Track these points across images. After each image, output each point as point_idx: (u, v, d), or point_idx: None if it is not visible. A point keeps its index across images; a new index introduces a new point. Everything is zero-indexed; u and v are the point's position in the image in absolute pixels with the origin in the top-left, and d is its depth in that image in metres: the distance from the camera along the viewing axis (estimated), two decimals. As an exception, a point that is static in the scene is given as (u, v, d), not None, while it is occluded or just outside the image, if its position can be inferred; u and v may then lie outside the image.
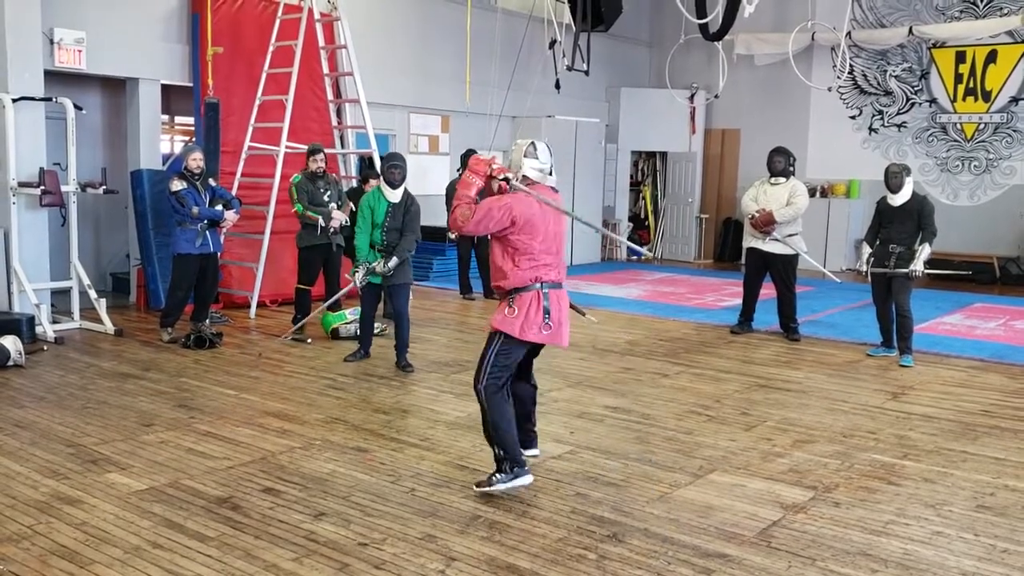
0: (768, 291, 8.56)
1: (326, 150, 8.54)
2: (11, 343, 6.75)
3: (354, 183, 9.72)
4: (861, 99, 14.24)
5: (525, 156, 4.38)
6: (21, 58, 7.86)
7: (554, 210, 4.39)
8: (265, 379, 6.55)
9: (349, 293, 8.14)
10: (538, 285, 4.32)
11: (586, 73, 11.85)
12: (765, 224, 8.16)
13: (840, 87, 13.82)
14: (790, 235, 8.27)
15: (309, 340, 7.84)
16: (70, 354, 7.26)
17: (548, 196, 4.37)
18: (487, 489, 4.26)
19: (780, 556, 3.69)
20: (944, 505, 4.30)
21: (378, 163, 9.60)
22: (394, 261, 6.79)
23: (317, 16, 9.86)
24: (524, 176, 4.37)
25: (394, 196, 6.88)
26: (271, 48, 9.50)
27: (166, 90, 9.78)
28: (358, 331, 7.47)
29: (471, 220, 4.27)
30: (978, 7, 13.10)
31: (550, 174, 4.44)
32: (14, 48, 7.80)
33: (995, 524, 4.08)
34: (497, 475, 4.29)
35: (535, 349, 4.59)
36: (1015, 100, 13.01)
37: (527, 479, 4.31)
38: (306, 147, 8.43)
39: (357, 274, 6.83)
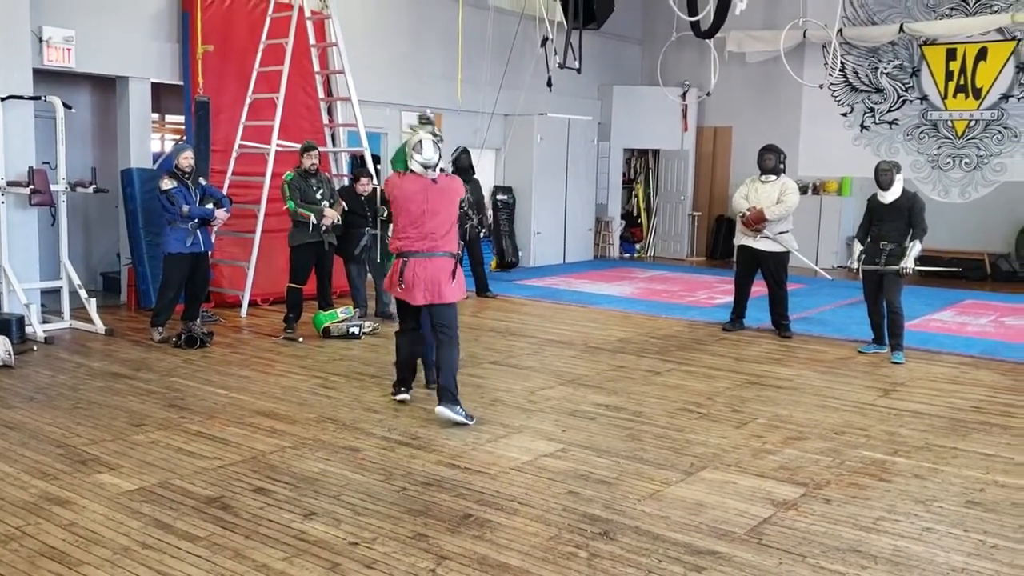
0: (760, 288, 8.57)
1: (319, 148, 8.51)
2: (0, 343, 6.72)
3: (346, 181, 9.70)
4: (852, 96, 14.27)
5: (412, 150, 5.37)
6: (10, 56, 7.81)
7: (433, 193, 5.37)
8: (256, 378, 6.53)
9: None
10: (403, 252, 5.43)
11: (578, 71, 11.84)
12: (756, 222, 8.17)
13: (831, 85, 13.85)
14: (781, 233, 8.28)
15: (301, 339, 7.83)
16: (60, 354, 7.22)
17: (421, 184, 5.37)
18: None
19: (771, 553, 3.69)
20: (934, 501, 4.31)
21: (370, 162, 9.62)
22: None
23: (308, 14, 9.83)
24: (411, 169, 5.40)
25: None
26: (261, 46, 9.47)
27: (156, 89, 9.74)
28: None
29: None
30: (968, 4, 13.14)
31: (432, 169, 5.39)
32: (3, 46, 7.75)
33: (984, 520, 4.09)
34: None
35: (432, 309, 5.51)
36: (1005, 97, 13.06)
37: (400, 397, 5.85)
38: (297, 145, 8.41)
39: None
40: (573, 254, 14.26)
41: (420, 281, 5.39)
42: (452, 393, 5.40)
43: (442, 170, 5.55)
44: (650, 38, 15.79)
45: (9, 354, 6.73)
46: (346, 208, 8.36)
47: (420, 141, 5.34)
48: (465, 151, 10.55)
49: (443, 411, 5.40)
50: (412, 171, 5.38)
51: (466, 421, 5.37)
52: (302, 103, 10.16)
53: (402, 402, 5.83)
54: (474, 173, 10.42)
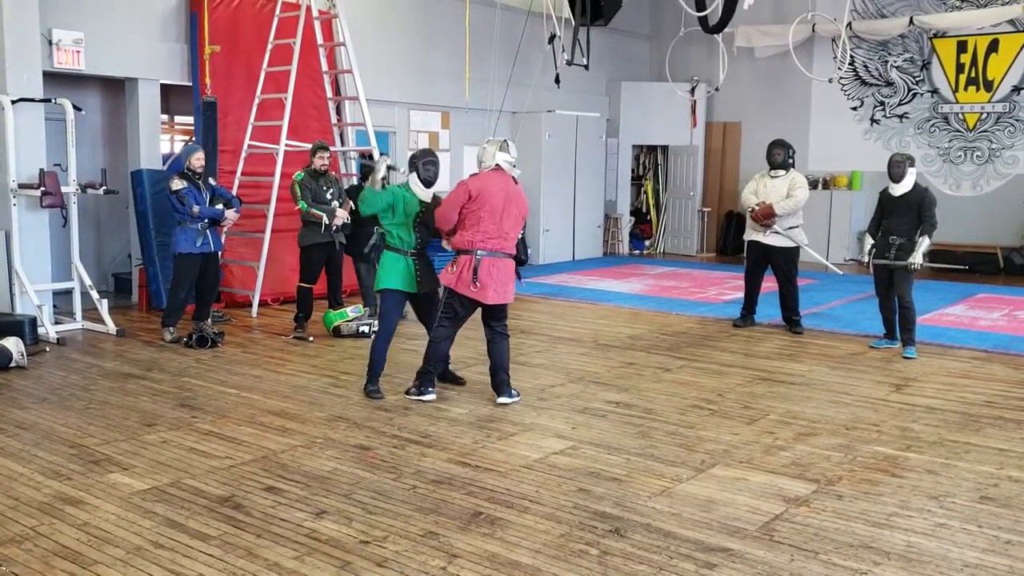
0: (770, 284, 8.53)
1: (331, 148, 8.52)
2: (13, 345, 6.76)
3: (355, 181, 9.70)
4: (862, 90, 14.19)
5: (499, 150, 5.61)
6: (20, 59, 7.85)
7: (512, 193, 5.58)
8: (267, 378, 6.55)
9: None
10: (475, 250, 5.50)
11: (586, 68, 11.80)
12: (765, 217, 8.14)
13: (841, 78, 13.77)
14: (791, 228, 8.24)
15: (311, 338, 7.84)
16: (72, 355, 7.26)
17: (505, 183, 5.59)
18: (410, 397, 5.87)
19: (783, 550, 3.68)
20: (947, 497, 4.29)
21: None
22: None
23: (315, 14, 9.84)
24: (497, 165, 5.60)
25: (428, 195, 6.03)
26: (269, 46, 9.48)
27: (165, 90, 9.78)
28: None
29: (438, 219, 5.68)
30: (979, -4, 13.05)
31: (515, 167, 5.70)
32: (12, 49, 7.80)
33: (998, 515, 4.06)
34: (411, 388, 5.94)
35: (491, 308, 5.68)
36: (1017, 89, 12.96)
37: (428, 397, 5.82)
38: (306, 145, 8.42)
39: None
40: (582, 251, 14.24)
41: (494, 281, 5.54)
42: (508, 381, 5.85)
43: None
44: (658, 34, 15.75)
45: (22, 355, 6.77)
46: (354, 208, 8.36)
47: (506, 141, 5.68)
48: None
49: (505, 401, 5.80)
50: (499, 167, 5.63)
51: (517, 398, 5.87)
52: (310, 103, 10.18)
53: (429, 401, 5.86)
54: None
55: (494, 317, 5.78)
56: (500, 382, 5.85)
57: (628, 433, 5.25)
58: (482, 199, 5.50)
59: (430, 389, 5.84)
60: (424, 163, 5.97)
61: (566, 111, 13.60)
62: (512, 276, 5.71)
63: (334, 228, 8.01)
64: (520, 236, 6.27)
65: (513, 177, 5.68)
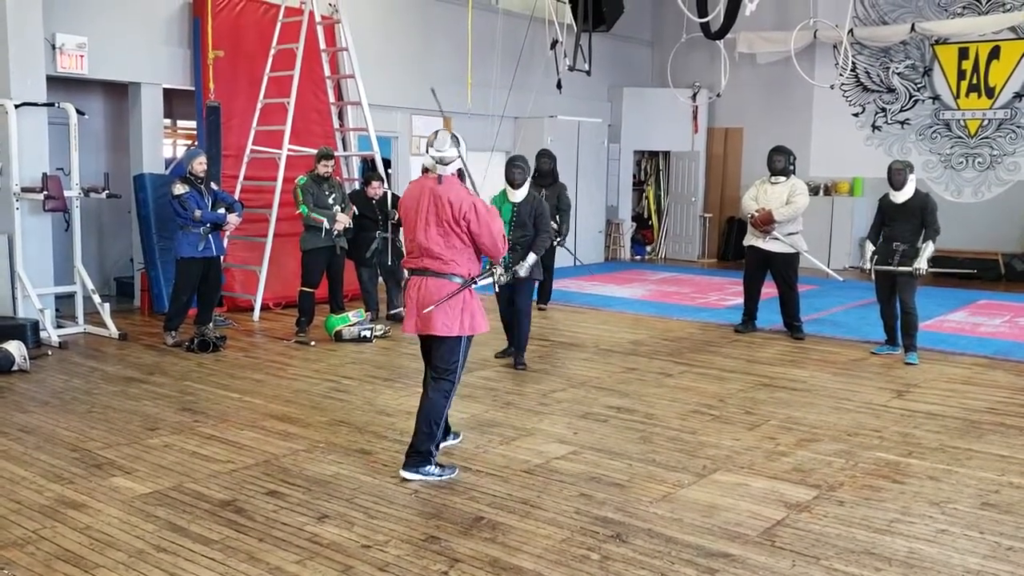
0: (770, 290, 8.54)
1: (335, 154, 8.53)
2: (16, 348, 6.77)
3: (356, 186, 9.73)
4: (864, 96, 14.21)
5: (428, 145, 4.51)
6: (23, 64, 7.87)
7: (431, 197, 4.44)
8: (269, 382, 6.55)
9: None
10: (408, 272, 4.62)
11: (588, 73, 11.85)
12: (764, 223, 8.15)
13: (843, 85, 13.79)
14: (791, 234, 8.25)
15: (313, 343, 7.85)
16: (74, 358, 7.27)
17: (421, 187, 4.52)
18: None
19: (784, 555, 3.68)
20: (949, 503, 4.29)
21: (380, 166, 9.65)
22: (532, 258, 6.75)
23: (318, 19, 9.87)
24: (424, 168, 4.60)
25: (517, 196, 6.92)
26: (272, 51, 9.51)
27: (168, 94, 9.79)
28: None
29: None
30: (981, 3, 13.07)
31: (444, 164, 4.46)
32: (16, 54, 7.82)
33: (1000, 522, 4.06)
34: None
35: (424, 344, 4.65)
36: (1019, 96, 12.97)
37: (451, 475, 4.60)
38: (308, 150, 8.45)
39: (500, 275, 5.32)
40: (584, 256, 14.24)
41: (413, 304, 4.49)
42: (422, 454, 4.48)
43: (461, 175, 4.59)
44: (660, 40, 15.78)
45: (24, 359, 6.78)
46: (357, 212, 8.40)
47: (435, 132, 4.52)
48: (546, 154, 9.49)
49: (407, 475, 4.47)
50: (424, 168, 4.63)
51: (440, 477, 4.50)
52: (313, 107, 10.20)
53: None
54: (556, 178, 9.41)
55: (433, 355, 4.58)
56: (411, 448, 4.54)
57: (629, 438, 5.25)
58: (402, 214, 4.64)
59: (433, 460, 4.57)
60: (508, 165, 6.96)
61: (568, 116, 13.62)
62: (452, 302, 4.42)
63: (335, 233, 8.03)
64: (510, 246, 5.61)
65: (438, 176, 4.46)
